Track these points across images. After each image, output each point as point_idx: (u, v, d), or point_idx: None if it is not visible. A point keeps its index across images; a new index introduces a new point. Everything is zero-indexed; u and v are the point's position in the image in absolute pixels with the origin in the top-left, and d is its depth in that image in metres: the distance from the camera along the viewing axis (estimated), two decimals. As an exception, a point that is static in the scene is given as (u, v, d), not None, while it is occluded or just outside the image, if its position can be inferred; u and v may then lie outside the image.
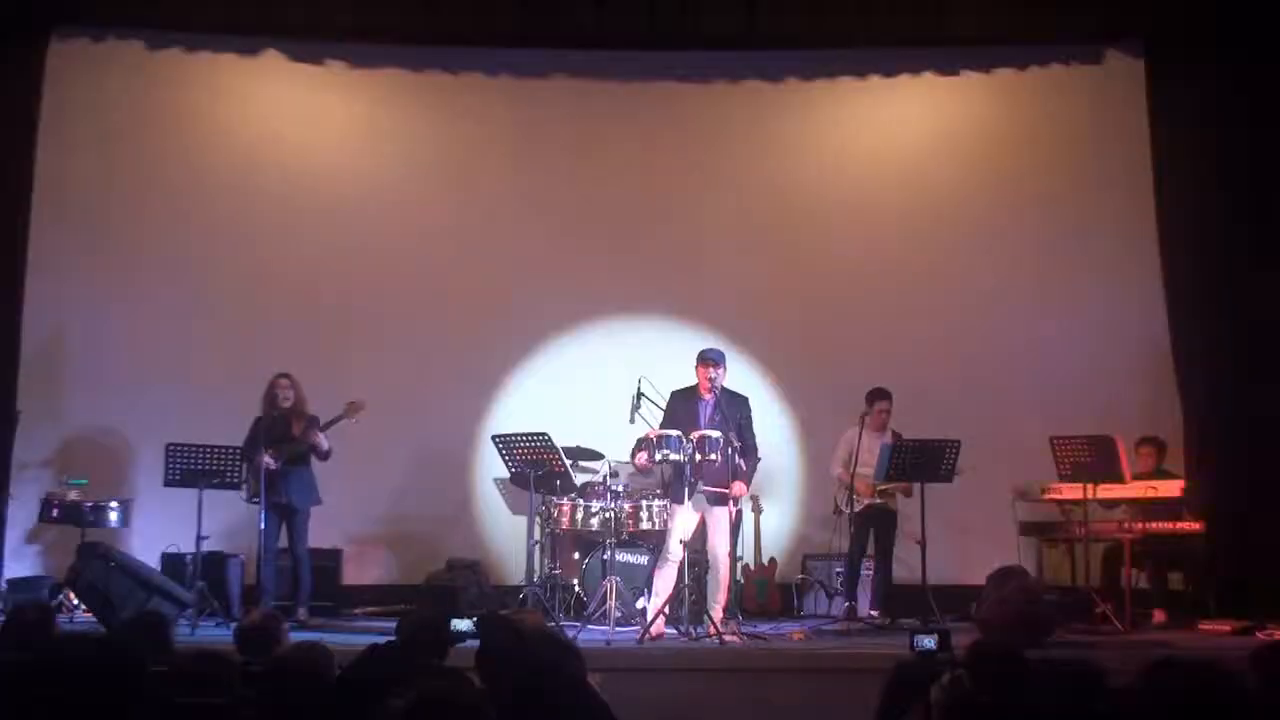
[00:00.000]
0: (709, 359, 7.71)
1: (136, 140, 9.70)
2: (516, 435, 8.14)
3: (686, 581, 7.61)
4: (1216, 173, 9.39)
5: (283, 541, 8.41)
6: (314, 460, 8.42)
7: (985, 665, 3.95)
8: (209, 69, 9.82)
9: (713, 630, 7.37)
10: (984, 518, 8.95)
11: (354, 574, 9.43)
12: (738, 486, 7.60)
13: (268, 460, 8.13)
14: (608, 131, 10.06)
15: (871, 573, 8.67)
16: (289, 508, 8.31)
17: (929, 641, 4.00)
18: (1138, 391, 9.47)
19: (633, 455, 8.04)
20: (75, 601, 8.13)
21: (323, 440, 8.31)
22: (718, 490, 7.54)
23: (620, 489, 8.25)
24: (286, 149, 9.92)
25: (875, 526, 8.57)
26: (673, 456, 7.50)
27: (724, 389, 7.74)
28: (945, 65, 10.02)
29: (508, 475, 8.49)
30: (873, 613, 8.51)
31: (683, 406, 7.72)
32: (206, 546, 8.05)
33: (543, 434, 8.02)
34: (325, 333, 9.61)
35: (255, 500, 8.21)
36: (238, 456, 8.09)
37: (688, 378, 7.85)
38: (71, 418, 9.46)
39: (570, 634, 7.31)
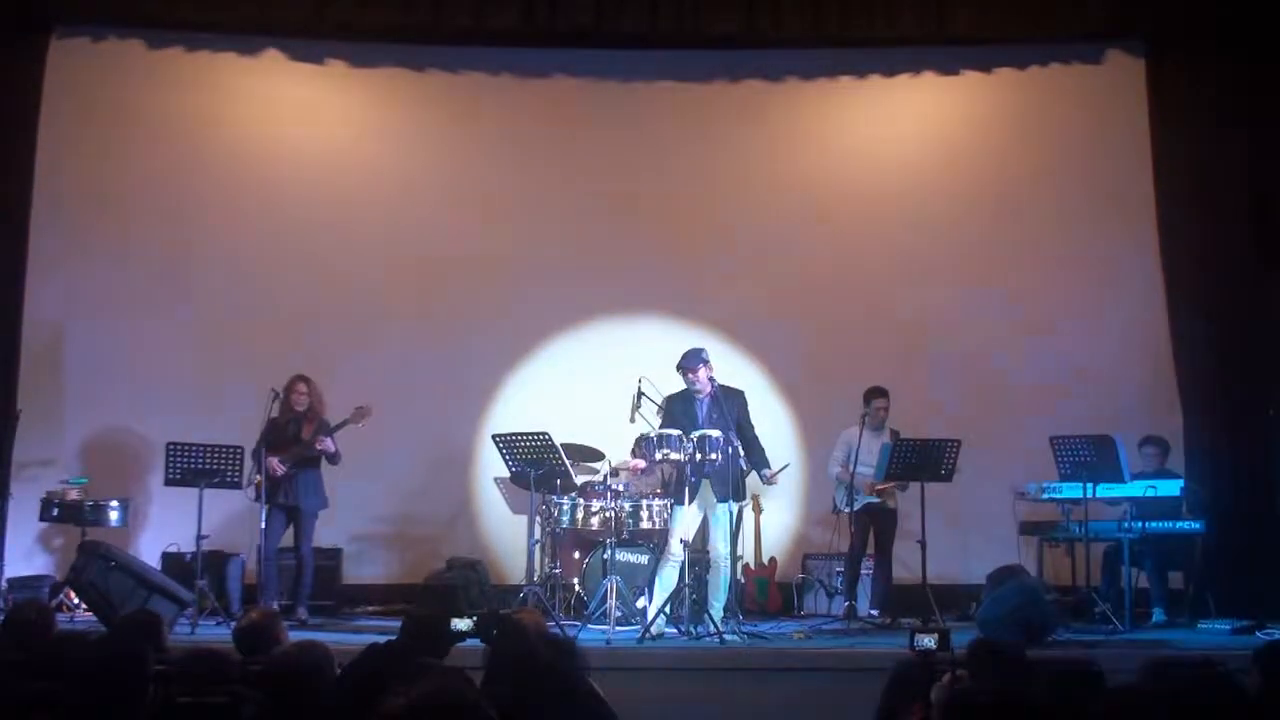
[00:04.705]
0: (687, 366, 7.70)
1: (136, 139, 9.69)
2: (517, 434, 8.14)
3: (687, 580, 7.61)
4: (1217, 172, 9.39)
5: (286, 541, 8.40)
6: (323, 462, 8.42)
7: (985, 664, 3.95)
8: (209, 68, 9.82)
9: (713, 630, 7.37)
10: (984, 517, 8.97)
11: (354, 573, 9.43)
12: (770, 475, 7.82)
13: (275, 465, 8.13)
14: (608, 131, 10.05)
15: (872, 572, 8.67)
16: (297, 510, 8.30)
17: (929, 641, 4.00)
18: (1138, 391, 9.47)
19: (632, 456, 8.04)
20: (75, 601, 8.14)
21: (330, 445, 8.30)
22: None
23: (621, 488, 8.25)
24: (286, 148, 9.92)
25: (875, 526, 8.58)
26: (673, 456, 7.50)
27: (720, 386, 7.74)
28: (945, 65, 10.02)
29: (508, 474, 8.49)
30: (873, 612, 8.51)
31: (681, 408, 7.73)
32: (207, 546, 8.05)
33: (543, 433, 8.02)
34: (325, 331, 9.60)
35: (259, 499, 8.21)
36: (242, 456, 8.08)
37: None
38: (72, 417, 9.45)
39: (571, 633, 7.34)
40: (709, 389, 7.68)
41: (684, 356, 7.79)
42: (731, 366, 8.60)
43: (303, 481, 8.30)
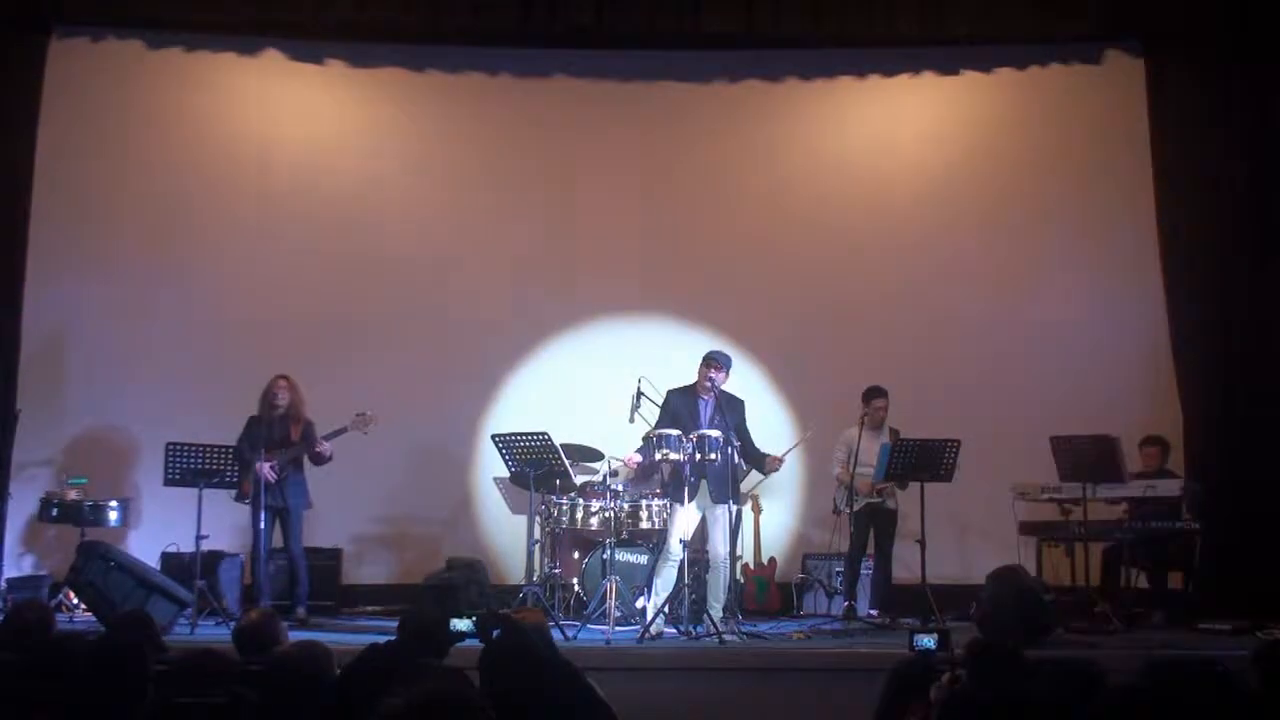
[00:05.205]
0: (715, 360, 7.73)
1: (136, 139, 9.69)
2: (516, 434, 8.14)
3: (686, 581, 7.62)
4: (1216, 172, 9.39)
5: (276, 542, 8.39)
6: (306, 463, 8.40)
7: (985, 664, 3.95)
8: (208, 68, 9.81)
9: (712, 630, 7.37)
10: (983, 517, 8.97)
11: (354, 573, 9.43)
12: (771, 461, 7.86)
13: (267, 470, 8.12)
14: (607, 131, 10.06)
15: (871, 572, 8.68)
16: (286, 510, 8.30)
17: (928, 641, 4.01)
18: (1138, 390, 9.47)
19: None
20: (75, 601, 8.14)
21: (327, 449, 8.29)
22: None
23: (620, 488, 8.25)
24: (286, 148, 9.91)
25: (875, 526, 8.58)
26: (672, 455, 7.51)
27: (722, 390, 7.75)
28: (945, 65, 10.02)
29: (508, 474, 8.49)
30: (872, 612, 8.51)
31: (682, 404, 7.73)
32: (206, 546, 8.03)
33: (542, 433, 8.03)
34: (325, 332, 9.60)
35: (244, 500, 8.20)
36: (231, 456, 8.09)
37: (686, 377, 7.86)
38: (71, 417, 9.45)
39: (570, 633, 7.35)
40: (714, 393, 7.68)
41: (720, 352, 7.86)
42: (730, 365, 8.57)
43: (290, 482, 8.29)
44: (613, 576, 7.68)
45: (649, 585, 7.93)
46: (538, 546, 8.32)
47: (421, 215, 9.92)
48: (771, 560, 9.40)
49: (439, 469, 9.70)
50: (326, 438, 8.29)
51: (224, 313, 9.62)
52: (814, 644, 7.61)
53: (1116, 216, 9.76)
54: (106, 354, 9.49)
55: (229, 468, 8.06)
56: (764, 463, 7.89)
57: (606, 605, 7.58)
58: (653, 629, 7.44)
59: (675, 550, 7.59)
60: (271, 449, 8.23)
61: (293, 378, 8.47)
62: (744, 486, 8.57)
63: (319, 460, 8.35)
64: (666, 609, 7.58)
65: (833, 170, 10.07)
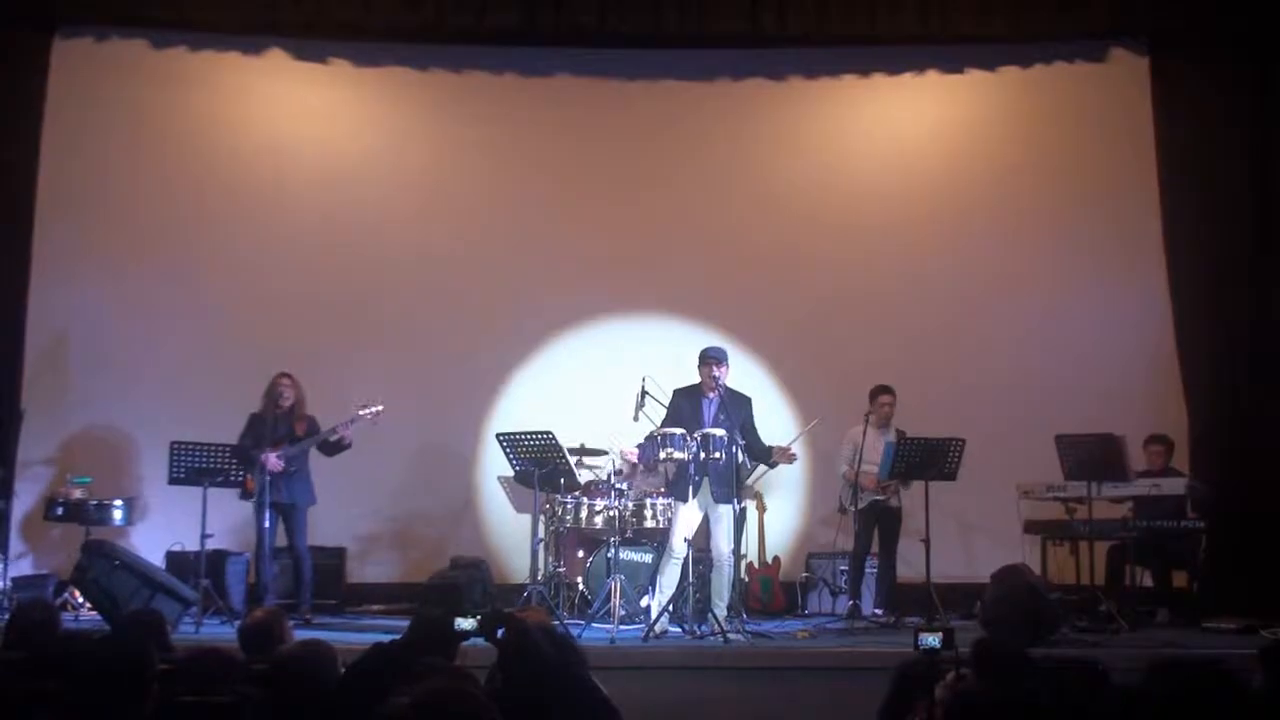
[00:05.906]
0: (711, 357, 7.72)
1: (140, 139, 9.70)
2: (521, 433, 8.14)
3: (690, 579, 7.61)
4: (1221, 169, 9.39)
5: (280, 540, 8.40)
6: (310, 459, 8.41)
7: (989, 663, 3.95)
8: (212, 68, 9.82)
9: (717, 628, 7.37)
10: (988, 516, 8.97)
11: (358, 572, 9.44)
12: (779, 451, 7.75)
13: (274, 461, 8.12)
14: (611, 129, 10.06)
15: (876, 571, 8.67)
16: (292, 506, 8.30)
17: (933, 640, 3.98)
18: (1142, 389, 9.46)
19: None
20: (80, 600, 8.16)
21: (349, 435, 8.27)
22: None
23: (624, 487, 8.26)
24: (289, 148, 9.92)
25: (880, 525, 8.58)
26: (677, 455, 7.50)
27: (727, 388, 7.74)
28: (949, 63, 10.01)
29: (512, 473, 8.49)
30: (877, 611, 8.51)
31: (687, 404, 7.72)
32: (210, 544, 8.05)
33: (547, 432, 8.03)
34: (329, 331, 9.61)
35: (248, 498, 8.21)
36: (232, 454, 8.09)
37: (692, 376, 7.86)
38: (76, 416, 9.46)
39: (575, 632, 7.34)
40: (718, 390, 7.68)
41: (713, 348, 7.81)
42: (735, 365, 8.59)
43: (297, 478, 8.30)
44: (617, 575, 7.68)
45: (653, 584, 7.93)
46: (542, 545, 8.33)
47: (424, 215, 9.92)
48: (776, 559, 9.39)
49: (444, 468, 9.71)
50: (336, 434, 8.29)
51: (228, 312, 9.63)
52: (818, 643, 7.61)
53: (1121, 214, 9.75)
54: (111, 353, 9.50)
55: (234, 466, 8.07)
56: (771, 455, 7.86)
57: (611, 604, 7.58)
58: (657, 628, 7.44)
59: (679, 549, 7.60)
60: (277, 446, 8.24)
61: (295, 375, 8.48)
62: (750, 482, 8.58)
63: (339, 448, 8.34)
64: (671, 608, 7.58)
65: (836, 168, 10.07)
